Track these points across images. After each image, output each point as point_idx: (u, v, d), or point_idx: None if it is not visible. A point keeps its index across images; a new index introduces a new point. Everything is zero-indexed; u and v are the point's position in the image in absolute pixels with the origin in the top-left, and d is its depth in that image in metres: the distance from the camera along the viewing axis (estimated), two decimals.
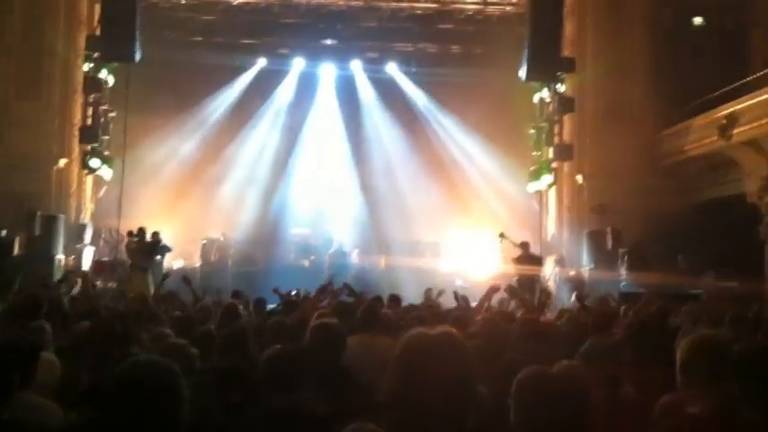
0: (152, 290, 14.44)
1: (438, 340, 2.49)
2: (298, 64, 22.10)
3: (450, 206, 20.97)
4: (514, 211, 19.68)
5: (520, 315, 7.30)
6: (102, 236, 18.26)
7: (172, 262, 18.28)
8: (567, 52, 18.65)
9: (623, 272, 16.41)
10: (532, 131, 20.00)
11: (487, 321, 6.67)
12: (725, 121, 15.63)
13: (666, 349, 4.47)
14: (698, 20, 19.01)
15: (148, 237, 16.09)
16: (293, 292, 9.74)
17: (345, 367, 4.61)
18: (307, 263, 19.94)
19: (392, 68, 22.15)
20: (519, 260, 15.97)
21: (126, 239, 16.54)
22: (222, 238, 19.98)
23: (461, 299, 9.40)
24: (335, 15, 20.94)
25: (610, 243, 17.25)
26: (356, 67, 22.28)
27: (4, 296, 8.11)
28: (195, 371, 4.30)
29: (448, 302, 9.83)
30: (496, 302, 8.90)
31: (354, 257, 20.13)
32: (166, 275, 9.48)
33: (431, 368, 2.41)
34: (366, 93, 22.56)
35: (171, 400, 2.65)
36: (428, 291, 10.01)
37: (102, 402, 2.98)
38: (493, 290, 8.15)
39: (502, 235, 16.47)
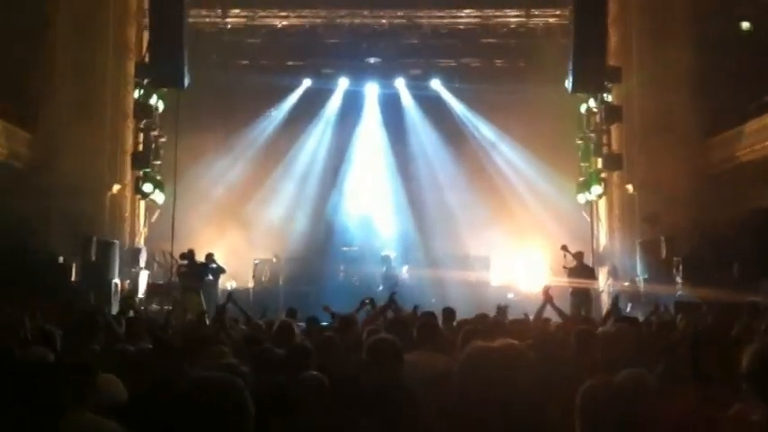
0: (205, 309, 14.72)
1: (500, 353, 2.45)
2: (342, 83, 22.27)
3: (498, 219, 20.83)
4: (564, 223, 19.47)
5: (576, 327, 7.24)
6: (156, 259, 18.54)
7: (225, 283, 18.46)
8: (612, 62, 18.49)
9: (679, 282, 16.12)
10: (580, 142, 19.83)
11: (544, 333, 6.63)
12: None
13: (727, 360, 4.39)
14: (744, 25, 18.69)
15: (200, 258, 16.45)
16: (365, 302, 9.73)
17: (403, 385, 4.59)
18: (358, 281, 19.98)
19: (436, 84, 22.19)
20: (572, 272, 15.81)
21: (177, 262, 16.89)
22: (274, 259, 20.13)
23: (500, 310, 9.31)
24: (378, 34, 21.06)
25: (664, 253, 16.98)
26: (400, 84, 22.37)
27: (63, 319, 8.27)
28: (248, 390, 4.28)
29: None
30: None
31: (404, 273, 20.12)
32: (230, 296, 9.55)
33: (494, 381, 2.37)
34: (411, 109, 22.60)
35: (237, 418, 2.65)
36: (501, 308, 9.86)
37: (163, 420, 3.01)
38: (547, 297, 8.08)
39: (564, 248, 16.30)
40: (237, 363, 4.80)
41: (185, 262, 16.58)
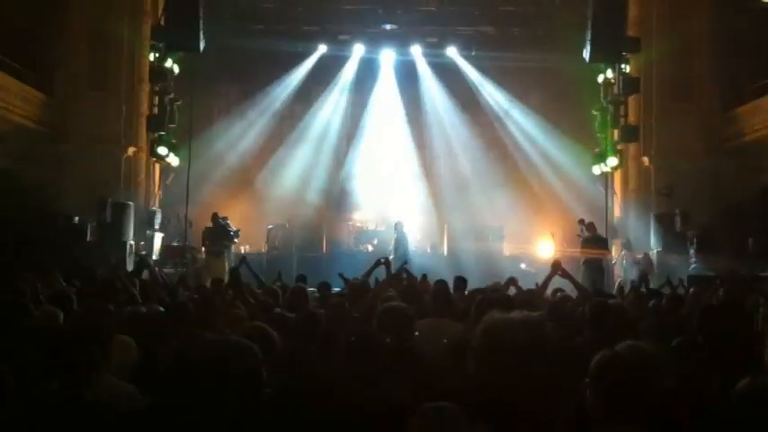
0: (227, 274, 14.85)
1: (520, 324, 2.44)
2: (358, 50, 22.09)
3: (512, 190, 20.76)
4: (579, 195, 19.41)
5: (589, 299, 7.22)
6: (171, 222, 18.64)
7: (239, 247, 18.57)
8: (631, 32, 18.31)
9: (692, 255, 16.07)
10: (596, 113, 19.66)
11: (554, 305, 6.65)
12: None
13: (738, 332, 4.39)
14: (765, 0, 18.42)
15: (220, 222, 16.75)
16: (381, 261, 9.65)
17: (417, 352, 4.61)
18: (370, 248, 20.02)
19: (452, 52, 21.96)
20: (586, 242, 15.80)
21: (193, 225, 17.04)
22: (287, 224, 20.18)
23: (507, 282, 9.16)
24: (395, 1, 20.86)
25: (678, 225, 16.91)
26: (416, 51, 22.17)
27: (79, 281, 8.34)
28: (276, 353, 4.26)
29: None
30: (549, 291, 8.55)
31: (417, 242, 20.12)
32: (244, 260, 9.60)
33: (515, 352, 2.36)
34: (427, 77, 22.42)
35: (252, 382, 2.68)
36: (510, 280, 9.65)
37: (181, 383, 3.04)
38: (556, 267, 7.87)
39: (582, 221, 16.31)
40: (267, 326, 4.81)
41: (210, 225, 16.87)
